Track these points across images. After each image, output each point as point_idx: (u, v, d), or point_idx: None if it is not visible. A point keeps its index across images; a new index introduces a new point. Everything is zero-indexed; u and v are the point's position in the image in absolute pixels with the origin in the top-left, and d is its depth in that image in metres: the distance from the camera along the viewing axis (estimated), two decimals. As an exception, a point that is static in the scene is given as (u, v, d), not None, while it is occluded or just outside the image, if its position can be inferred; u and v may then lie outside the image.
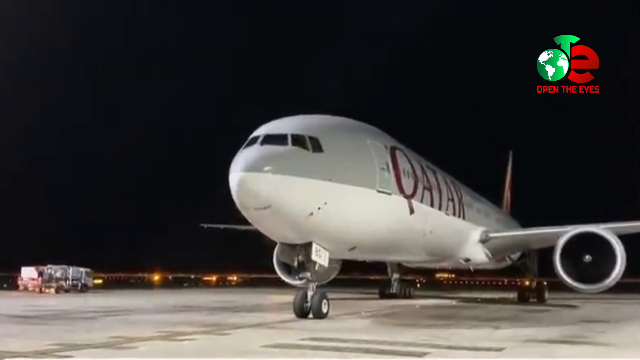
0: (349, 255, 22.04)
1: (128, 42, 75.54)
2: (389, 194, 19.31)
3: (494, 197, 45.57)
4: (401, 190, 20.31)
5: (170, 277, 76.89)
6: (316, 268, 17.96)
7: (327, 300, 18.18)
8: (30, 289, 42.79)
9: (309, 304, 17.81)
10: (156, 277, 76.93)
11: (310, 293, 17.96)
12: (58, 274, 44.17)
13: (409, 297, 34.98)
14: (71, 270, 45.13)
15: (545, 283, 34.33)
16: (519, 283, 38.35)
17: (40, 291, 41.39)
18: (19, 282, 45.08)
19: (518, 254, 34.90)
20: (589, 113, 58.45)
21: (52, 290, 41.46)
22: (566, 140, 66.89)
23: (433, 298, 35.57)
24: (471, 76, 69.84)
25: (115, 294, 39.10)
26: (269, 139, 16.71)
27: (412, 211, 21.15)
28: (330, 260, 27.65)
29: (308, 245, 17.51)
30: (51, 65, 70.46)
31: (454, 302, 31.59)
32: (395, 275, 35.14)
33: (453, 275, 76.27)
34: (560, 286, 26.21)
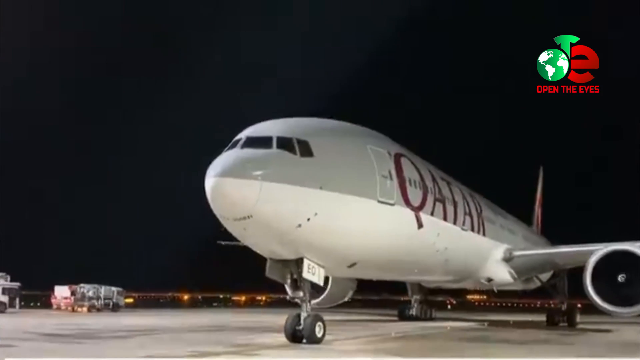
0: (349, 273, 20.31)
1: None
2: (392, 204, 17.26)
3: (525, 215, 43.46)
4: (407, 201, 18.24)
5: (199, 297, 77.55)
6: (310, 287, 16.11)
7: (323, 323, 16.05)
8: (63, 307, 43.74)
9: (301, 327, 15.80)
10: (186, 297, 77.78)
11: (303, 315, 15.93)
12: (90, 293, 45.10)
13: (430, 319, 32.87)
14: (103, 290, 46.06)
15: (579, 305, 32.16)
16: (553, 305, 34.68)
17: (73, 310, 42.29)
18: (52, 301, 46.11)
19: (548, 275, 32.48)
20: (622, 125, 56.51)
21: (85, 309, 42.37)
22: (599, 155, 63.89)
23: (455, 320, 33.65)
24: (490, 85, 68.46)
25: (146, 313, 39.65)
26: (252, 142, 14.90)
27: (420, 225, 19.08)
28: (344, 280, 26.07)
29: (299, 261, 15.66)
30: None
31: (474, 325, 29.71)
32: (416, 296, 32.98)
33: (484, 297, 75.25)
34: (594, 309, 23.85)
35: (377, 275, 23.86)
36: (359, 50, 64.54)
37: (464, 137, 71.57)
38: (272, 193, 14.05)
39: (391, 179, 17.39)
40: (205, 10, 72.33)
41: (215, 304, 65.05)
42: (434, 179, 21.19)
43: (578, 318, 31.04)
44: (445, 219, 21.41)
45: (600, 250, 23.46)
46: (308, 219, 14.73)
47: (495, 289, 30.37)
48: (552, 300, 33.17)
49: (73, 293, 44.85)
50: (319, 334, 15.79)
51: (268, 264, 16.20)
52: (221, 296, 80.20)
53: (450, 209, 22.02)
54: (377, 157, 17.03)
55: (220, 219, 14.64)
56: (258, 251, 16.15)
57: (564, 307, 31.18)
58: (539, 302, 62.70)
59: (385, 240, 17.70)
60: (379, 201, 16.68)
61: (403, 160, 18.83)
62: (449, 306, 74.76)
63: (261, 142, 14.85)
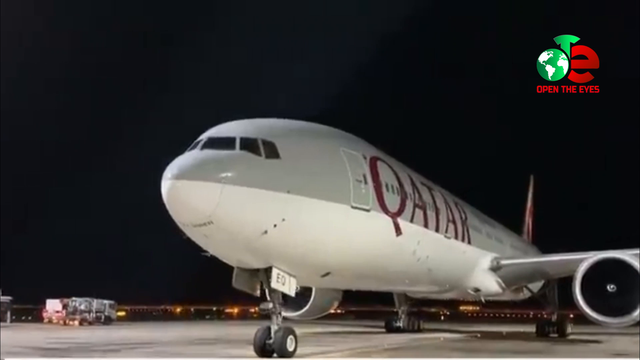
0: (324, 283, 19.46)
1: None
2: (368, 210, 16.24)
3: (515, 224, 43.08)
4: (383, 207, 17.22)
5: (192, 309, 77.28)
6: (281, 297, 15.21)
7: (295, 336, 15.08)
8: (54, 321, 43.59)
9: (272, 341, 14.85)
10: (178, 310, 77.55)
11: (274, 328, 14.96)
12: (82, 307, 44.93)
13: (418, 330, 32.24)
14: (95, 303, 45.93)
15: (571, 316, 31.75)
16: (544, 316, 33.96)
17: (65, 323, 42.12)
18: (44, 315, 45.95)
19: (539, 285, 31.64)
20: (615, 131, 56.47)
21: (76, 322, 42.23)
22: (590, 162, 62.58)
23: (444, 332, 33.06)
24: (482, 88, 66.75)
25: (138, 326, 39.58)
26: (213, 143, 13.93)
27: (399, 232, 18.04)
28: (329, 290, 25.17)
29: (268, 270, 14.72)
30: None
31: (461, 336, 29.21)
32: (403, 307, 32.20)
33: (477, 308, 75.26)
34: (587, 320, 22.97)
35: (355, 285, 22.71)
36: (359, 50, 64.12)
37: (457, 141, 71.09)
38: (234, 197, 13.07)
39: (366, 183, 16.39)
40: (193, 12, 71.04)
41: (208, 317, 64.71)
42: (413, 184, 20.24)
43: (570, 329, 30.30)
44: (426, 226, 20.39)
45: (589, 258, 22.76)
46: (275, 225, 13.73)
47: (483, 299, 29.35)
48: (545, 311, 32.30)
49: (65, 306, 44.63)
50: (290, 348, 14.86)
51: (235, 274, 15.23)
52: (214, 308, 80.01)
53: (431, 215, 21.02)
54: (350, 160, 16.05)
55: (180, 226, 13.62)
56: (225, 260, 15.18)
57: (554, 317, 30.51)
58: (531, 313, 62.88)
59: (361, 248, 16.70)
60: (353, 206, 15.65)
61: (379, 164, 17.87)
62: (442, 317, 75.10)
63: (223, 142, 13.91)
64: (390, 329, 31.90)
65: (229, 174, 13.16)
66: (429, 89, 69.79)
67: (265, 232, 13.69)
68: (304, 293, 23.45)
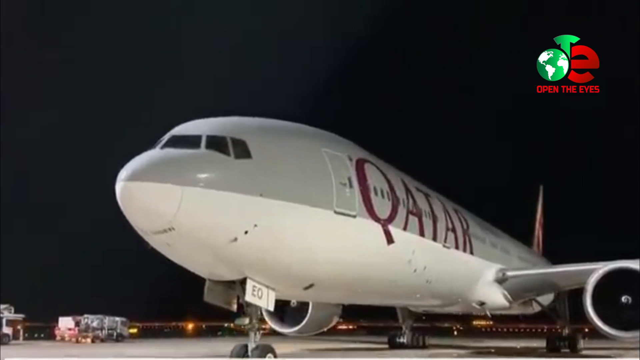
0: (307, 296, 18.10)
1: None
2: (353, 216, 14.78)
3: (525, 236, 41.74)
4: (372, 213, 15.71)
5: (204, 326, 77.58)
6: (258, 312, 14.13)
7: (274, 354, 13.84)
8: (67, 338, 44.04)
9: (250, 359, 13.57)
10: (190, 326, 77.78)
11: (251, 345, 13.67)
12: (94, 324, 45.38)
13: (423, 347, 30.66)
14: (107, 320, 46.38)
15: (586, 330, 30.72)
16: (556, 330, 33.22)
17: (77, 341, 42.56)
18: (56, 332, 46.45)
19: (549, 298, 30.14)
20: (626, 140, 55.35)
21: (89, 340, 42.68)
22: (601, 171, 62.02)
23: (449, 348, 31.80)
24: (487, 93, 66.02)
25: (150, 343, 39.97)
26: (176, 141, 12.59)
27: (391, 240, 16.56)
28: (327, 304, 23.77)
29: (243, 282, 13.37)
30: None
31: (469, 352, 27.80)
32: (407, 322, 30.68)
33: (491, 323, 74.63)
34: (601, 334, 21.53)
35: (346, 298, 21.19)
36: (357, 49, 64.03)
37: (460, 145, 70.39)
38: (197, 200, 11.73)
39: (351, 186, 14.89)
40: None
41: (219, 333, 64.92)
42: (407, 190, 18.70)
43: (582, 344, 28.89)
44: (422, 234, 18.85)
45: (601, 268, 21.25)
46: (246, 232, 12.33)
47: (489, 313, 27.60)
48: (559, 325, 30.80)
49: (77, 324, 45.17)
50: None
51: (207, 286, 13.81)
52: (225, 325, 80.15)
53: (428, 223, 19.47)
54: (333, 161, 14.57)
55: (140, 233, 12.33)
56: (195, 271, 13.82)
57: (565, 331, 29.26)
58: (545, 327, 62.39)
59: (347, 258, 15.22)
60: (336, 212, 14.18)
61: (367, 166, 16.38)
62: (455, 332, 74.69)
63: (187, 141, 12.55)
64: (394, 345, 30.55)
65: (192, 175, 11.86)
66: (429, 89, 69.22)
67: (235, 239, 12.31)
68: (300, 308, 22.88)
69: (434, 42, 66.79)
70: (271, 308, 14.10)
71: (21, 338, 43.50)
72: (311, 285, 15.10)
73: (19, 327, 44.91)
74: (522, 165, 65.56)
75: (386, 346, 31.21)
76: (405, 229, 17.62)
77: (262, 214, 12.55)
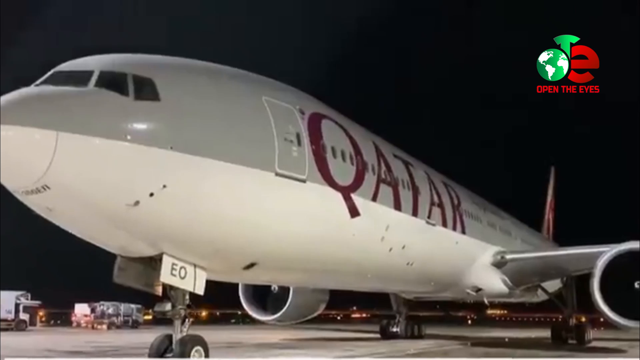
0: (251, 278, 15.24)
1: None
2: (303, 180, 12.08)
3: (535, 220, 39.62)
4: (327, 178, 12.93)
5: (217, 314, 78.99)
6: (184, 296, 11.52)
7: (204, 347, 11.36)
8: (83, 325, 45.42)
9: (172, 354, 11.23)
10: (204, 313, 79.34)
11: (176, 336, 11.26)
12: (110, 311, 46.59)
13: (419, 337, 28.25)
14: (122, 307, 47.66)
15: (601, 320, 25.97)
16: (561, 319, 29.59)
17: (93, 327, 43.85)
18: (72, 319, 47.94)
19: (556, 284, 27.88)
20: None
21: (104, 326, 44.00)
22: (615, 152, 61.25)
23: (446, 339, 29.26)
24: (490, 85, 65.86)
25: (164, 330, 40.95)
26: (61, 78, 9.81)
27: (355, 212, 13.87)
28: (312, 291, 21.50)
29: (160, 260, 10.73)
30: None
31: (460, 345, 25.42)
32: (401, 310, 28.25)
33: (505, 312, 73.19)
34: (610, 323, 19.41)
35: (306, 281, 18.06)
36: (357, 49, 64.17)
37: (464, 140, 71.19)
38: (77, 150, 9.02)
39: (300, 144, 12.16)
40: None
41: (233, 321, 66.04)
42: (380, 155, 15.78)
43: (590, 334, 26.25)
44: (398, 207, 16.05)
45: (609, 250, 19.13)
46: (151, 194, 9.68)
47: (486, 300, 24.87)
48: (566, 314, 27.76)
49: (93, 310, 46.48)
50: None
51: (117, 264, 11.25)
52: (239, 312, 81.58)
53: (406, 195, 16.64)
54: (276, 112, 11.77)
55: (12, 192, 9.54)
56: (103, 246, 11.21)
57: (572, 321, 26.62)
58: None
59: (296, 231, 12.50)
60: (278, 174, 11.44)
61: (325, 123, 13.53)
62: (469, 321, 75.26)
63: (75, 78, 9.77)
64: (386, 335, 28.15)
65: (71, 117, 9.04)
66: (428, 89, 69.85)
67: (137, 202, 9.65)
68: (282, 294, 21.16)
69: (433, 42, 67.17)
70: (200, 292, 11.49)
71: (37, 324, 44.87)
72: (252, 264, 12.42)
73: (39, 313, 46.43)
74: (532, 148, 66.14)
75: (378, 336, 28.94)
76: (374, 199, 14.84)
77: (172, 172, 9.87)
